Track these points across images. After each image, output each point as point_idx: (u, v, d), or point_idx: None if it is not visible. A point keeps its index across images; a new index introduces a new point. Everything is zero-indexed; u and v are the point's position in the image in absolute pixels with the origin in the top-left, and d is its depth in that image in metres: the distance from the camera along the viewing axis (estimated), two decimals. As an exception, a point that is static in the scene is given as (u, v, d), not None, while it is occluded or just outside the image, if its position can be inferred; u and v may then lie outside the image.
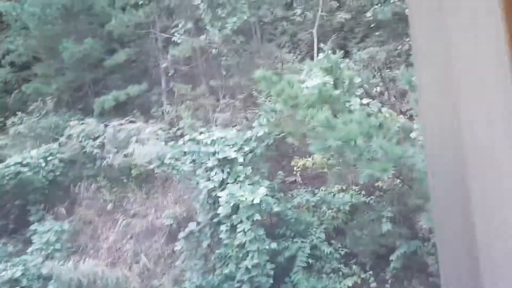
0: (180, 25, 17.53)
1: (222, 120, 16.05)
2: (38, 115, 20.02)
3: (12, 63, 22.92)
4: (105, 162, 16.38)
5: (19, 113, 19.74)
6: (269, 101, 12.55)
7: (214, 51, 16.68)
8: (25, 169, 16.21)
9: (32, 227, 15.61)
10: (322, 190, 13.51)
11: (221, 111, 16.82)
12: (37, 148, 17.41)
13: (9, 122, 19.55)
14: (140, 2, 20.11)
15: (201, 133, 13.23)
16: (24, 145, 18.18)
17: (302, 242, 12.08)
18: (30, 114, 20.22)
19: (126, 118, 17.94)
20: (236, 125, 15.97)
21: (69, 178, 17.54)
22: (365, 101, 11.08)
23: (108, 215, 17.22)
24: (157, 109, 19.03)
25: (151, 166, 14.08)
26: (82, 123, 17.73)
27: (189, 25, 17.48)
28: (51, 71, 21.42)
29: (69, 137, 17.25)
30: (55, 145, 17.59)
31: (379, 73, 14.58)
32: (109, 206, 17.03)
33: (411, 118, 13.24)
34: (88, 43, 19.56)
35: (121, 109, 19.24)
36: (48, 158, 17.03)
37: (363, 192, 13.08)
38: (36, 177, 16.41)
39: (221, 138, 12.68)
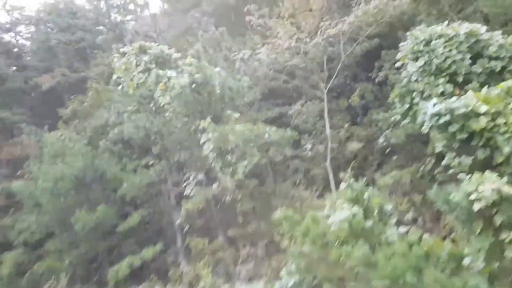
0: (191, 178, 17.19)
1: (246, 273, 14.54)
2: (51, 295, 18.68)
3: (25, 243, 22.31)
4: None
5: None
6: (295, 243, 11.25)
7: (228, 198, 15.99)
8: None
9: None
10: None
11: (243, 263, 15.39)
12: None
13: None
14: (151, 162, 20.23)
15: (223, 292, 11.69)
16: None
17: None
18: (42, 294, 18.90)
19: (143, 285, 16.51)
20: (262, 276, 14.39)
21: None
22: (402, 229, 9.78)
23: None
24: (174, 271, 17.63)
25: None
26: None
27: (200, 176, 17.14)
28: (64, 245, 20.62)
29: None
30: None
31: (407, 198, 13.50)
32: None
33: (454, 242, 11.75)
34: (101, 210, 19.15)
35: (136, 276, 17.90)
36: None
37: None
38: None
39: (247, 295, 11.11)
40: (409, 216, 13.56)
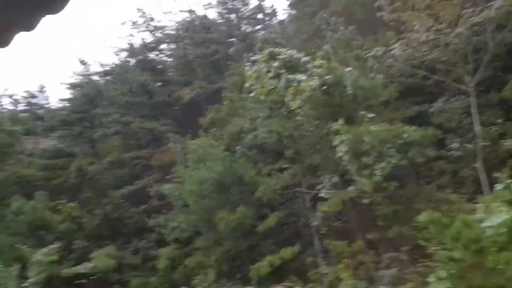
0: (326, 180, 17.19)
1: (389, 279, 14.03)
2: (201, 288, 20.27)
3: (177, 240, 24.63)
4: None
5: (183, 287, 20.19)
6: (443, 249, 10.56)
7: (366, 201, 15.59)
8: None
9: None
10: None
11: (386, 268, 14.86)
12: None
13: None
14: (285, 166, 20.76)
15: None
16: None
17: None
18: (193, 287, 20.60)
19: (283, 284, 17.00)
20: (406, 283, 13.76)
21: None
22: None
23: None
24: (313, 272, 17.82)
25: None
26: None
27: (335, 178, 17.04)
28: (210, 243, 22.27)
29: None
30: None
31: None
32: None
33: None
34: (240, 212, 20.22)
35: (277, 275, 18.50)
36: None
37: None
38: None
39: (392, 300, 10.74)
40: None
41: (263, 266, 18.71)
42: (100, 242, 26.91)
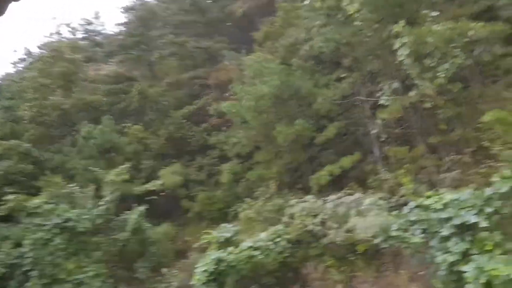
0: (385, 87, 16.71)
1: (451, 181, 13.93)
2: (263, 199, 21.24)
3: (238, 155, 25.56)
4: (328, 239, 15.82)
5: (248, 199, 21.26)
6: (510, 148, 10.26)
7: (428, 105, 15.11)
8: (257, 252, 16.78)
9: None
10: None
11: (448, 171, 14.71)
12: (265, 231, 18.06)
13: (240, 208, 21.11)
14: (343, 75, 20.31)
15: (428, 197, 11.54)
16: (254, 229, 19.16)
17: None
18: (256, 199, 21.64)
19: (344, 191, 17.41)
20: (468, 184, 13.62)
21: (297, 258, 17.49)
22: None
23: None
24: (373, 178, 18.02)
25: (377, 241, 12.84)
26: (302, 201, 17.88)
27: (396, 84, 16.51)
28: (270, 157, 22.92)
29: (292, 216, 17.47)
30: (280, 226, 17.99)
31: None
32: (340, 287, 16.14)
33: None
34: (299, 124, 20.36)
35: (337, 183, 18.93)
36: (276, 240, 17.42)
37: None
38: (267, 260, 16.79)
39: (454, 200, 10.76)
40: None
41: (323, 175, 19.15)
42: (166, 160, 28.57)
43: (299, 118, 20.64)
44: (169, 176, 26.24)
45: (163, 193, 25.46)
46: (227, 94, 26.95)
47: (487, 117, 9.02)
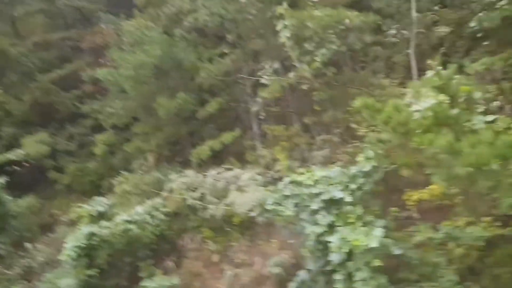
0: (267, 66, 17.26)
1: (321, 158, 15.13)
2: (141, 172, 20.71)
3: (114, 126, 24.33)
4: (207, 212, 16.16)
5: (124, 172, 20.53)
6: (373, 131, 11.43)
7: (304, 87, 16.04)
8: (133, 226, 16.46)
9: (143, 283, 15.63)
10: (445, 225, 11.84)
11: (318, 149, 15.92)
12: (142, 204, 17.75)
13: (115, 181, 20.32)
14: (226, 51, 20.41)
15: (301, 173, 12.39)
16: (130, 203, 18.68)
17: (433, 287, 10.49)
18: (133, 172, 21.00)
19: (223, 166, 17.79)
20: (335, 162, 14.92)
21: (174, 231, 17.59)
22: (489, 118, 9.53)
23: (214, 266, 16.84)
24: (252, 154, 18.71)
25: (253, 214, 13.48)
26: (182, 176, 17.88)
27: (276, 64, 17.14)
28: (149, 129, 22.25)
29: (171, 190, 17.41)
30: (159, 200, 17.83)
31: (496, 85, 12.81)
32: (215, 257, 16.66)
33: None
34: (181, 97, 20.06)
35: (217, 158, 19.24)
36: (153, 213, 17.26)
37: (497, 223, 11.21)
38: (143, 233, 16.60)
39: (324, 177, 11.73)
40: (496, 103, 12.99)
41: (203, 150, 19.28)
42: (31, 128, 26.02)
43: (181, 91, 20.31)
44: (33, 145, 23.97)
45: (27, 164, 23.29)
46: (102, 60, 25.28)
47: (356, 103, 9.86)
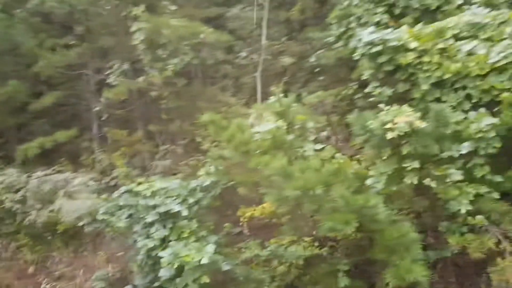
0: (116, 66, 16.38)
1: (163, 168, 14.81)
2: None
3: None
4: (27, 218, 14.43)
5: None
6: (216, 146, 11.61)
7: (153, 93, 15.61)
8: None
9: None
10: (272, 242, 12.51)
11: (161, 158, 15.58)
12: None
13: None
14: (72, 42, 18.81)
15: (139, 183, 11.89)
16: None
17: (254, 303, 10.90)
18: None
19: (53, 168, 16.19)
20: (176, 173, 14.78)
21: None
22: (318, 146, 10.46)
23: (29, 278, 15.11)
24: (88, 157, 17.43)
25: (81, 223, 12.45)
26: (1, 174, 15.76)
27: (126, 66, 16.39)
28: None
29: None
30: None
31: (326, 117, 14.23)
32: (31, 268, 14.97)
33: (359, 163, 12.81)
34: (13, 85, 17.82)
35: (47, 157, 17.41)
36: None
37: (315, 244, 12.23)
38: None
39: (163, 189, 11.42)
40: (324, 134, 14.39)
41: (32, 147, 17.28)
42: None
43: (13, 78, 18.03)
44: None
45: None
46: None
47: (203, 118, 9.90)
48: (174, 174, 14.60)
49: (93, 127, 18.47)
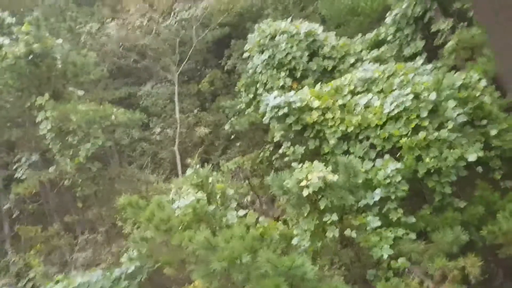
0: (23, 159, 15.52)
1: (83, 260, 13.80)
2: None
3: None
4: None
5: None
6: (138, 228, 11.11)
7: (66, 182, 14.85)
8: None
9: None
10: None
11: (81, 250, 14.56)
12: None
13: None
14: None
15: (57, 281, 10.95)
16: None
17: None
18: None
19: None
20: (100, 263, 13.86)
21: None
22: (241, 213, 10.39)
23: None
24: (1, 261, 15.85)
25: None
26: None
27: (35, 157, 15.58)
28: None
29: None
30: None
31: (247, 182, 14.32)
32: None
33: (285, 223, 12.88)
34: None
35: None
36: None
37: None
38: None
39: (84, 283, 10.60)
40: (248, 198, 14.42)
41: None
42: None
43: None
44: None
45: None
46: None
47: (120, 201, 9.53)
48: (98, 264, 13.67)
49: (4, 227, 17.02)
